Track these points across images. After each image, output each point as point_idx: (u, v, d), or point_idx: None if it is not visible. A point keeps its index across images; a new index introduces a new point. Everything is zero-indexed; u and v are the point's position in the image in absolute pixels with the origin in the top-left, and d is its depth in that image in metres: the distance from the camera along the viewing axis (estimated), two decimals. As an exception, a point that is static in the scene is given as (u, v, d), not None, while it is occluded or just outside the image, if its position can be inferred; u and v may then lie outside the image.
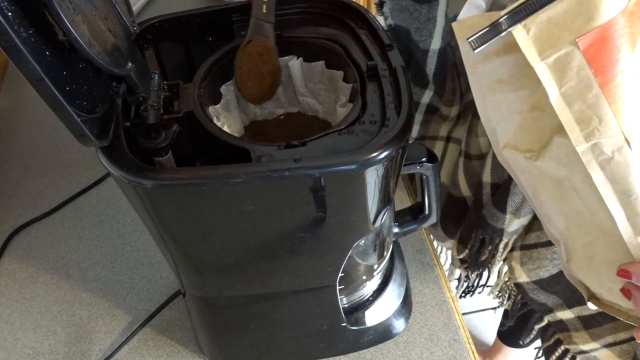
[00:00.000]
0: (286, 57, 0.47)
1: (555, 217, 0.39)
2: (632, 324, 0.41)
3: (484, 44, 0.31)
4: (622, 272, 0.36)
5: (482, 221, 0.67)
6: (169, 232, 0.42)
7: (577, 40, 0.28)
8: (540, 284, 0.69)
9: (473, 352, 0.61)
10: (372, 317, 0.58)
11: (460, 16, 0.35)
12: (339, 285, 0.51)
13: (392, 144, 0.36)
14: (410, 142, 0.77)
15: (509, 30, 0.30)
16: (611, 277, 0.38)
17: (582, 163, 0.31)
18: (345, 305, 0.56)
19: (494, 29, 0.30)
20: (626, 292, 0.38)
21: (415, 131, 0.78)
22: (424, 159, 0.50)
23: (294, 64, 0.47)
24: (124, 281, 0.68)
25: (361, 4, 0.49)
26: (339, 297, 0.52)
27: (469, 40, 0.32)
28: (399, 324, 0.61)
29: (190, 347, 0.62)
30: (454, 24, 0.34)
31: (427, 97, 0.75)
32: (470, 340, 0.62)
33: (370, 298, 0.58)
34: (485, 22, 0.31)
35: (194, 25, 0.49)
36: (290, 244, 0.44)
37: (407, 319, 0.62)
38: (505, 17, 0.29)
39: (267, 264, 0.47)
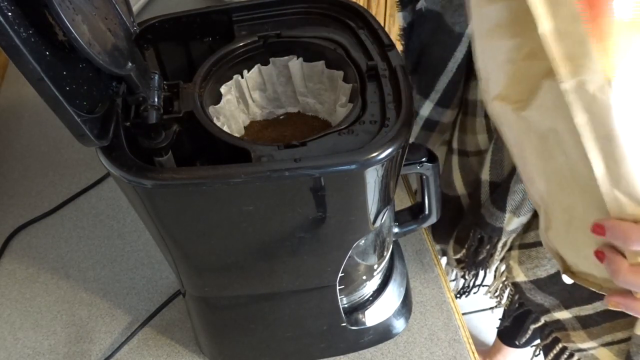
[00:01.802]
0: (286, 57, 0.47)
1: (538, 180, 0.39)
2: (602, 293, 0.40)
3: None
4: (596, 227, 0.35)
5: (480, 220, 0.67)
6: (169, 232, 0.42)
7: None
8: (538, 283, 0.69)
9: (473, 352, 0.61)
10: (372, 317, 0.58)
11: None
12: (339, 285, 0.51)
13: (392, 144, 0.36)
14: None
15: None
16: (587, 242, 0.37)
17: (566, 107, 0.31)
18: (345, 305, 0.56)
19: None
20: (599, 254, 0.37)
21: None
22: (424, 159, 0.50)
23: (294, 64, 0.47)
24: (124, 281, 0.68)
25: (361, 4, 0.49)
26: (339, 297, 0.52)
27: None
28: (399, 324, 0.61)
29: (190, 347, 0.62)
30: None
31: (426, 109, 0.72)
32: (470, 340, 0.62)
33: (370, 298, 0.58)
34: None
35: (194, 25, 0.49)
36: (290, 244, 0.44)
37: (407, 319, 0.62)
38: None
39: (267, 264, 0.47)
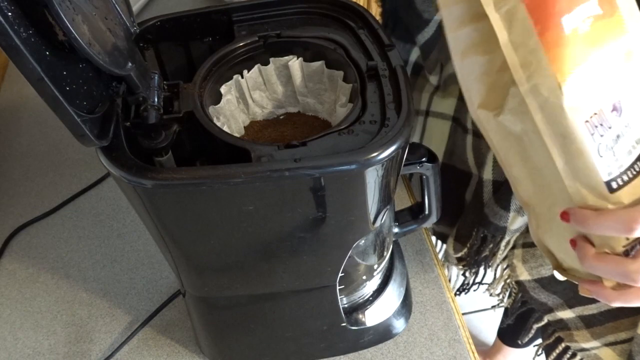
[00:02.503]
0: (286, 57, 0.47)
1: (524, 181, 0.42)
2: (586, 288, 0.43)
3: None
4: (563, 214, 0.39)
5: (484, 219, 0.67)
6: (169, 232, 0.42)
7: None
8: (542, 282, 0.69)
9: (473, 352, 0.61)
10: (372, 317, 0.58)
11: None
12: (339, 285, 0.51)
13: (392, 144, 0.36)
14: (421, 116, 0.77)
15: None
16: (567, 236, 0.41)
17: (529, 109, 0.35)
18: (345, 305, 0.57)
19: None
20: (572, 243, 0.40)
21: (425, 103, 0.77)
22: (424, 159, 0.50)
23: (294, 64, 0.47)
24: (124, 281, 0.68)
25: (361, 4, 0.49)
26: (339, 297, 0.52)
27: None
28: (399, 324, 0.61)
29: (190, 347, 0.62)
30: (440, 0, 0.39)
31: (414, 55, 0.74)
32: (470, 340, 0.62)
33: (370, 298, 0.58)
34: (469, 2, 0.37)
35: (194, 25, 0.49)
36: (290, 244, 0.44)
37: (407, 319, 0.62)
38: None
39: (267, 264, 0.47)
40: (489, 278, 0.82)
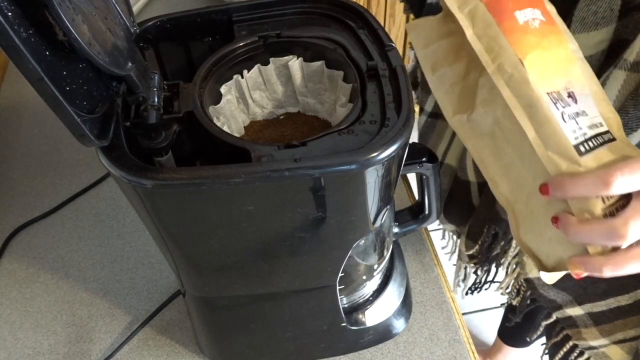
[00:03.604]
0: (286, 57, 0.47)
1: (499, 181, 0.45)
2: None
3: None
4: (542, 188, 0.40)
5: (495, 216, 0.67)
6: (169, 232, 0.42)
7: None
8: None
9: (473, 352, 0.61)
10: (372, 317, 0.58)
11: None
12: (339, 285, 0.51)
13: (392, 144, 0.36)
14: (425, 116, 0.77)
15: None
16: (547, 223, 0.42)
17: (498, 94, 0.40)
18: (345, 305, 0.57)
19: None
20: (555, 220, 0.41)
21: (430, 104, 0.77)
22: (424, 159, 0.50)
23: (294, 64, 0.47)
24: (124, 281, 0.68)
25: (361, 4, 0.49)
26: (339, 297, 0.52)
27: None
28: (399, 324, 0.61)
29: (190, 347, 0.62)
30: (406, 25, 0.47)
31: (430, 104, 0.75)
32: (470, 340, 0.62)
33: (370, 298, 0.58)
34: (430, 20, 0.45)
35: (194, 25, 0.49)
36: (290, 244, 0.44)
37: (407, 319, 0.62)
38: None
39: (267, 264, 0.47)
40: (500, 276, 0.82)
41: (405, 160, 0.47)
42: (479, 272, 0.84)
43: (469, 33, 0.41)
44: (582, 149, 0.38)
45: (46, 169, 0.82)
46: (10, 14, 0.27)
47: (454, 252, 0.92)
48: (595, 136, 0.39)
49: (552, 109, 0.39)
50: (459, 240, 0.86)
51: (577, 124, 0.39)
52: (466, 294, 0.91)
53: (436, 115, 0.77)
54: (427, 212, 0.57)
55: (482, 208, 0.71)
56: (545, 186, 0.39)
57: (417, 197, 0.58)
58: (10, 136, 0.88)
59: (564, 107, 0.39)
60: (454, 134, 0.76)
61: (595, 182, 0.37)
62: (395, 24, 1.72)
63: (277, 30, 0.47)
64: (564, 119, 0.39)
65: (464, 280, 0.89)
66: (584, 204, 0.39)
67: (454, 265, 0.90)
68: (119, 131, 0.38)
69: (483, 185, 0.72)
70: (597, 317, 0.68)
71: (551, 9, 0.42)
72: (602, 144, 0.39)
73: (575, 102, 0.40)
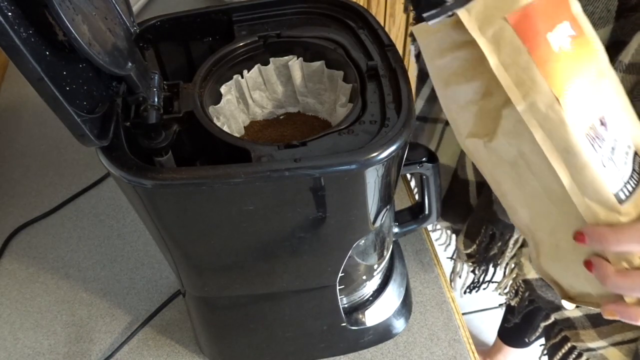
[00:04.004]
0: (286, 57, 0.47)
1: (519, 208, 0.42)
2: (599, 309, 0.42)
3: (434, 18, 0.36)
4: (577, 235, 0.38)
5: (492, 216, 0.67)
6: (169, 232, 0.42)
7: (507, 16, 0.34)
8: None
9: (473, 352, 0.61)
10: (372, 317, 0.58)
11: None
12: (339, 285, 0.51)
13: (392, 144, 0.36)
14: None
15: (455, 11, 0.35)
16: (575, 259, 0.40)
17: (527, 128, 0.35)
18: (345, 305, 0.56)
19: (442, 10, 0.36)
20: (588, 264, 0.39)
21: (419, 108, 0.77)
22: (424, 159, 0.50)
23: (294, 64, 0.47)
24: (124, 281, 0.68)
25: (361, 4, 0.49)
26: (339, 297, 0.52)
27: (425, 15, 0.37)
28: (399, 324, 0.61)
29: (190, 347, 0.62)
30: (413, 28, 0.39)
31: (418, 105, 0.74)
32: (470, 340, 0.62)
33: (370, 298, 0.58)
34: (438, 29, 0.37)
35: (194, 25, 0.49)
36: (290, 244, 0.44)
37: (407, 319, 0.62)
38: (451, 3, 0.35)
39: (267, 264, 0.47)
40: (498, 276, 0.82)
41: (405, 160, 0.47)
42: (476, 272, 0.84)
43: (493, 61, 0.35)
44: (622, 195, 0.36)
45: (46, 169, 0.82)
46: (10, 14, 0.27)
47: (449, 244, 0.92)
48: (631, 175, 0.36)
49: (591, 154, 0.35)
50: (454, 237, 0.86)
51: (615, 164, 0.36)
52: (464, 292, 0.91)
53: (425, 119, 0.77)
54: (427, 212, 0.57)
55: (480, 208, 0.71)
56: (582, 235, 0.38)
57: (417, 197, 0.58)
58: (10, 136, 0.88)
59: (600, 145, 0.35)
60: (442, 134, 0.76)
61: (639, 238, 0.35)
62: (395, 24, 1.72)
63: (277, 30, 0.47)
64: (603, 164, 0.35)
65: (459, 276, 0.89)
66: (623, 254, 0.37)
67: (448, 258, 0.90)
68: (119, 131, 0.38)
69: (481, 185, 0.72)
70: (595, 318, 0.68)
71: (577, 10, 0.37)
72: (638, 183, 0.37)
73: (607, 128, 0.36)
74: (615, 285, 0.37)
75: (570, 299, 0.44)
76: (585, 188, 0.36)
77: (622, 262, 0.37)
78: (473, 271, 0.84)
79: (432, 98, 0.76)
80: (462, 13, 0.35)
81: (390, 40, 0.44)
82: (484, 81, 0.37)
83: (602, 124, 0.36)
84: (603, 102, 0.36)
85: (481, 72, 0.36)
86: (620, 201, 0.36)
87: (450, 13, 0.35)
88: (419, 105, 0.77)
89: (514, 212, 0.42)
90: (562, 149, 0.35)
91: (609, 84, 0.37)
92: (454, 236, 0.87)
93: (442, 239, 0.93)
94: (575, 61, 0.35)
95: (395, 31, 1.75)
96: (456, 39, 0.36)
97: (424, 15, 0.37)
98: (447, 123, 0.75)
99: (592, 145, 0.35)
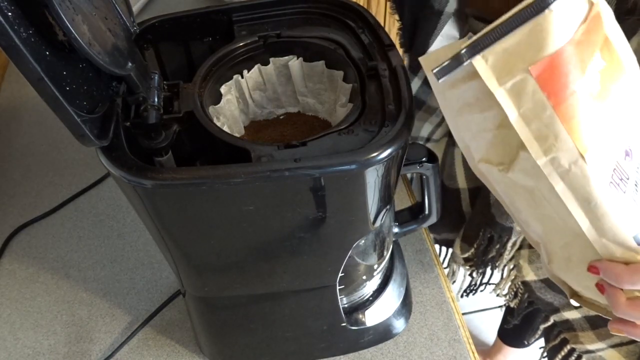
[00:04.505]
0: (286, 57, 0.47)
1: (532, 223, 0.41)
2: (609, 318, 0.43)
3: (447, 74, 0.34)
4: (592, 269, 0.38)
5: (490, 220, 0.67)
6: (169, 232, 0.42)
7: (529, 68, 0.31)
8: (548, 282, 0.69)
9: (473, 352, 0.61)
10: (372, 317, 0.58)
11: (431, 49, 0.37)
12: (339, 285, 0.51)
13: (392, 144, 0.36)
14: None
15: (469, 61, 0.33)
16: (587, 275, 0.40)
17: (546, 177, 0.34)
18: (345, 305, 0.56)
19: (456, 61, 0.33)
20: (600, 287, 0.40)
21: (426, 131, 0.77)
22: (424, 159, 0.50)
23: (294, 64, 0.47)
24: (124, 281, 0.68)
25: (361, 4, 0.49)
26: (339, 297, 0.52)
27: (434, 71, 0.35)
28: (399, 324, 0.61)
29: (190, 347, 0.62)
30: (420, 58, 0.36)
31: (415, 85, 0.73)
32: (470, 340, 0.62)
33: (370, 298, 0.58)
34: (448, 54, 0.34)
35: (194, 25, 0.49)
36: (290, 244, 0.44)
37: (407, 319, 0.62)
38: (465, 49, 0.33)
39: (267, 264, 0.47)
40: (495, 278, 0.82)
41: (405, 160, 0.47)
42: (474, 275, 0.84)
43: (513, 116, 0.32)
44: None
45: (46, 169, 0.82)
46: (10, 14, 0.27)
47: (446, 255, 0.92)
48: None
49: (613, 203, 0.34)
50: (449, 249, 0.86)
51: (637, 203, 0.35)
52: (462, 296, 0.91)
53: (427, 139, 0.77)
54: (427, 212, 0.57)
55: (477, 212, 0.71)
56: (596, 269, 0.38)
57: (417, 197, 0.58)
58: (10, 136, 0.88)
59: (624, 192, 0.34)
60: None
61: None
62: (395, 24, 1.72)
63: (277, 30, 0.47)
64: (624, 209, 0.35)
65: (453, 282, 0.89)
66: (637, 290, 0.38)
67: (445, 268, 0.90)
68: (119, 131, 0.38)
69: (476, 190, 0.72)
70: (594, 320, 0.68)
71: (609, 25, 0.34)
72: None
73: (632, 157, 0.35)
74: (625, 314, 0.38)
75: (579, 297, 0.44)
76: (604, 232, 0.35)
77: (635, 293, 0.38)
78: (471, 274, 0.84)
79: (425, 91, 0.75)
80: (477, 62, 0.32)
81: (390, 40, 0.44)
82: (499, 111, 0.34)
83: (627, 154, 0.35)
84: (630, 130, 0.35)
85: (498, 102, 0.34)
86: (639, 242, 0.35)
87: (464, 64, 0.33)
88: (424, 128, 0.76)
89: (527, 225, 0.42)
90: (582, 200, 0.34)
91: (636, 102, 0.35)
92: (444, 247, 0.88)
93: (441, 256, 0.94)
94: (602, 98, 0.33)
95: (395, 31, 1.75)
96: (469, 69, 0.34)
97: (434, 71, 0.35)
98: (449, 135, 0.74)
99: (616, 189, 0.34)
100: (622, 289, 0.38)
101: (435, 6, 0.61)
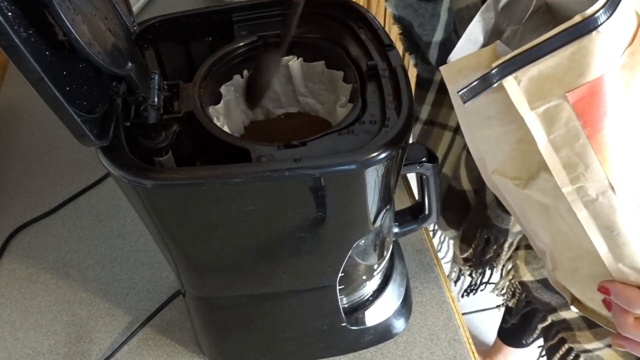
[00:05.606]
0: (286, 57, 0.47)
1: (541, 233, 0.40)
2: (611, 330, 0.42)
3: (475, 96, 0.32)
4: (603, 289, 0.38)
5: (486, 221, 0.67)
6: (169, 232, 0.42)
7: (566, 94, 0.29)
8: (545, 283, 0.69)
9: (473, 352, 0.61)
10: (372, 317, 0.58)
11: (454, 53, 0.35)
12: (339, 285, 0.51)
13: (392, 144, 0.36)
14: (420, 124, 0.77)
15: (499, 82, 0.30)
16: (593, 289, 0.39)
17: (568, 202, 0.33)
18: (345, 305, 0.56)
19: (484, 82, 0.31)
20: (607, 304, 0.40)
21: (425, 113, 0.77)
22: (424, 159, 0.50)
23: (294, 64, 0.47)
24: (124, 281, 0.68)
25: (361, 4, 0.49)
26: (339, 297, 0.52)
27: (459, 93, 0.32)
28: (399, 324, 0.61)
29: (190, 347, 0.62)
30: (441, 68, 0.34)
31: (439, 75, 0.73)
32: (470, 340, 0.62)
33: (370, 298, 0.58)
34: (473, 64, 0.32)
35: (194, 25, 0.49)
36: (290, 244, 0.44)
37: (407, 319, 0.62)
38: (496, 70, 0.30)
39: (267, 264, 0.47)
40: (495, 278, 0.82)
41: (405, 160, 0.47)
42: (473, 275, 0.84)
43: (541, 141, 0.30)
44: None
45: (46, 169, 0.82)
46: (10, 14, 0.27)
47: (443, 249, 0.92)
48: None
49: (637, 231, 0.33)
50: (452, 243, 0.86)
51: None
52: (462, 296, 0.91)
53: (432, 122, 0.77)
54: (427, 212, 0.57)
55: (474, 213, 0.71)
56: (607, 290, 0.38)
57: (417, 197, 0.58)
58: (10, 136, 0.88)
59: None
60: (450, 144, 0.75)
61: None
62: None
63: (277, 30, 0.47)
64: None
65: (456, 282, 0.89)
66: None
67: (453, 271, 0.90)
68: (119, 131, 0.38)
69: (477, 192, 0.72)
70: (591, 320, 0.68)
71: None
72: None
73: None
74: (631, 334, 0.38)
75: (579, 304, 0.44)
76: (621, 258, 0.35)
77: None
78: (470, 274, 0.85)
79: (438, 103, 0.76)
80: (509, 84, 0.30)
81: (390, 40, 0.44)
82: (521, 126, 0.32)
83: None
84: None
85: (519, 117, 0.32)
86: None
87: (494, 85, 0.30)
88: (425, 110, 0.76)
89: (535, 235, 0.41)
90: (605, 227, 0.33)
91: None
92: (451, 242, 0.88)
93: (442, 251, 0.94)
94: (638, 124, 0.31)
95: (396, 31, 1.75)
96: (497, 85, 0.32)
97: (460, 94, 0.32)
98: (456, 131, 0.74)
99: (639, 218, 0.33)
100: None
101: (423, 39, 0.62)
